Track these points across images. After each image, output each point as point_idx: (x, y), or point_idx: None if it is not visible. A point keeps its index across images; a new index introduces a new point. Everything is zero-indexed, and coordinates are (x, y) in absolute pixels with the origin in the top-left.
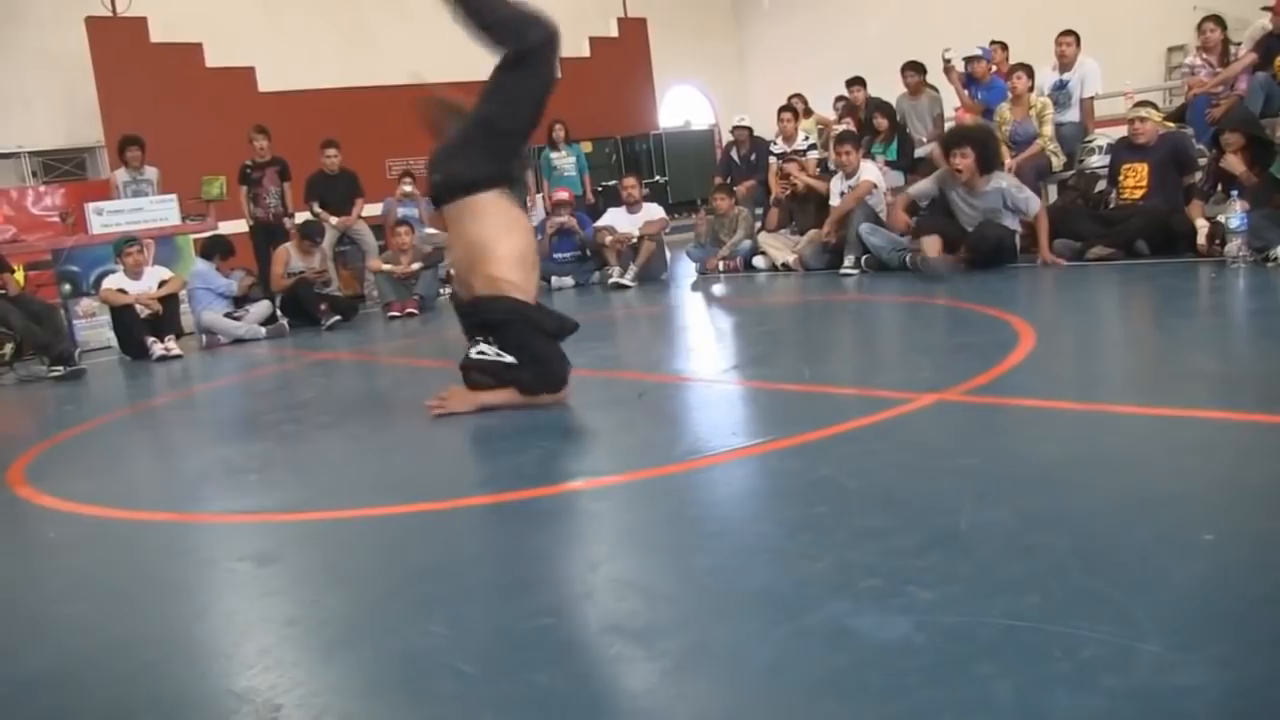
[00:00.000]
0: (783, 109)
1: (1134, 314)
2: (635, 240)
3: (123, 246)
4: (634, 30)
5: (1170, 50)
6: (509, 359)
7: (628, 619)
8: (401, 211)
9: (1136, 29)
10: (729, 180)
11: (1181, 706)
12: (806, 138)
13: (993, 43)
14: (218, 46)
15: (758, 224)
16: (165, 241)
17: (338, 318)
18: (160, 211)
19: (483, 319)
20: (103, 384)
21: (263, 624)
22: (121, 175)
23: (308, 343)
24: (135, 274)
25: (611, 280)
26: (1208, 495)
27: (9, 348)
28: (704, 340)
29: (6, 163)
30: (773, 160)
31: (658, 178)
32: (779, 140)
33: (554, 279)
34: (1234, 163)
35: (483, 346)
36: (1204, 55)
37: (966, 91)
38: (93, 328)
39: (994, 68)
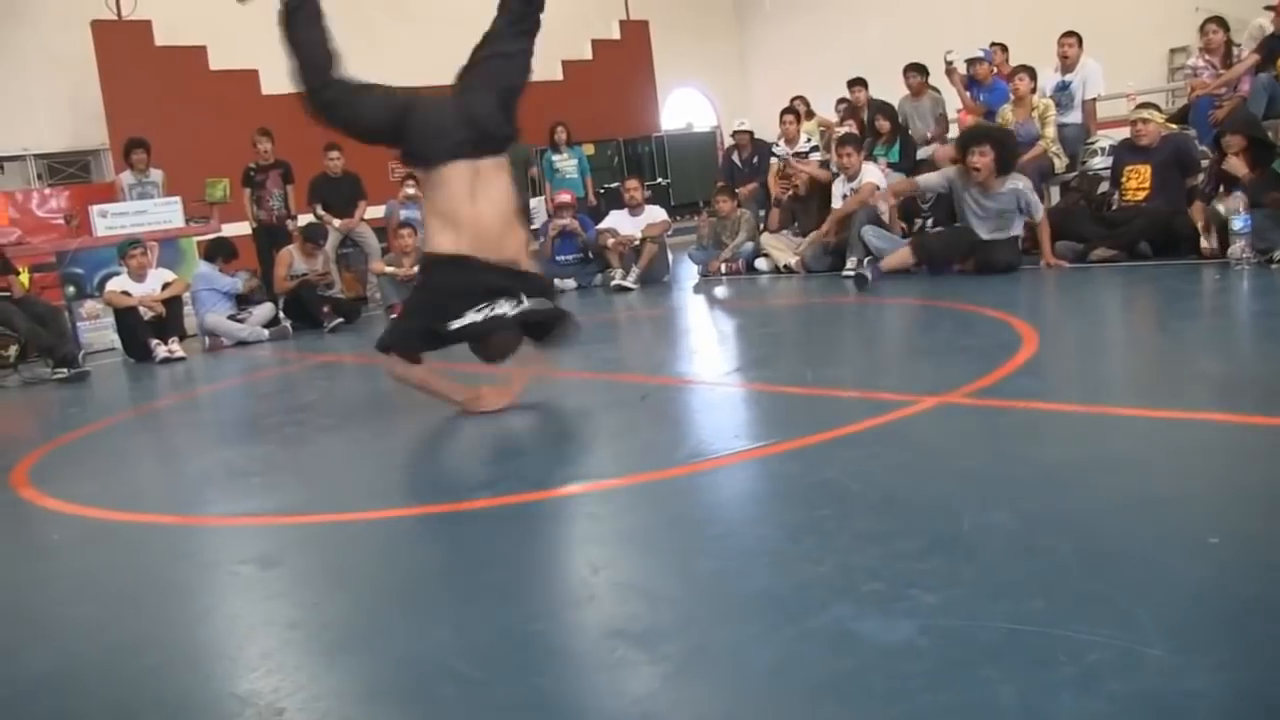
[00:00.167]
0: (785, 111)
1: (1137, 316)
2: (637, 242)
3: (127, 249)
4: (636, 32)
5: (1172, 51)
6: (541, 309)
7: (630, 622)
8: (404, 214)
9: (1138, 30)
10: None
11: (1186, 710)
12: (808, 140)
13: (993, 44)
14: (221, 49)
15: (760, 226)
16: (169, 244)
17: (340, 320)
18: (164, 214)
19: (526, 284)
20: (106, 386)
21: (265, 627)
22: (126, 178)
23: (310, 345)
24: (139, 276)
25: (614, 282)
26: (1211, 498)
27: (13, 350)
28: (706, 343)
29: (12, 165)
30: (774, 160)
31: (660, 180)
32: (781, 142)
33: (556, 281)
34: (1236, 165)
35: (503, 306)
36: (1206, 57)
37: (968, 93)
38: (97, 330)
39: (995, 69)
